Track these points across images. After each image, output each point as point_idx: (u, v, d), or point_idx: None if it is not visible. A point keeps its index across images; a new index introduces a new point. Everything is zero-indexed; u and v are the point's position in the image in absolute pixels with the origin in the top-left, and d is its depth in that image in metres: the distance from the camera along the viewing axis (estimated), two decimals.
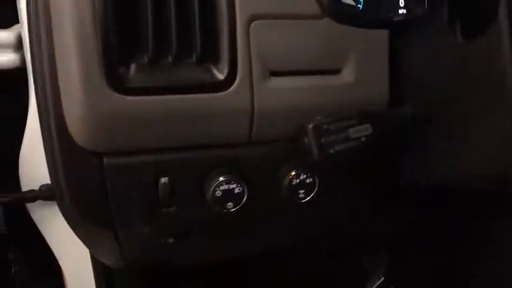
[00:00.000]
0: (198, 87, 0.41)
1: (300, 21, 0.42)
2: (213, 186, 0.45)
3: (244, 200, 0.46)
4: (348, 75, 0.45)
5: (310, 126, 0.41)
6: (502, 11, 0.39)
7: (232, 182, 0.45)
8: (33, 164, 0.56)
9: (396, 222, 0.69)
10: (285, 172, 0.47)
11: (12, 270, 0.62)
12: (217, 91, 0.41)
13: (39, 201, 0.57)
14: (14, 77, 0.56)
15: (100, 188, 0.43)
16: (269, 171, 0.48)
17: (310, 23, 0.43)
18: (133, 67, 0.39)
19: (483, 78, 0.42)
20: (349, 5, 0.44)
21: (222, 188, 0.45)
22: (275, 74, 0.43)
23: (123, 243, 0.48)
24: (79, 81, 0.38)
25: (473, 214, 0.63)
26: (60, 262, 0.65)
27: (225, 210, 0.46)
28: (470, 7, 0.43)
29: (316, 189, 0.48)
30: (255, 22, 0.41)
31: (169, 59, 0.40)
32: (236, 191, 0.45)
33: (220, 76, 0.41)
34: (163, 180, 0.45)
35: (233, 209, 0.46)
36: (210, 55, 0.41)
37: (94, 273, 0.66)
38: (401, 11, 0.46)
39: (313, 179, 0.47)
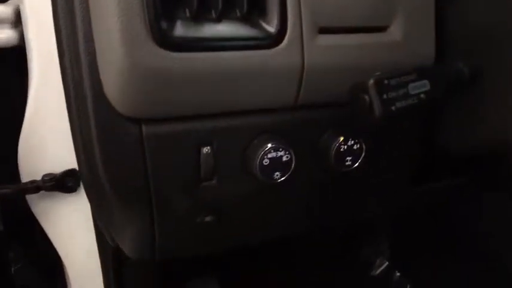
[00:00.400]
0: (247, 44, 0.38)
1: None
2: (261, 153, 0.41)
3: (292, 169, 0.42)
4: (395, 32, 0.44)
5: (371, 81, 0.38)
6: None
7: (280, 149, 0.42)
8: (34, 153, 0.52)
9: (401, 208, 0.67)
10: (332, 139, 0.44)
11: (12, 269, 0.55)
12: (268, 47, 0.39)
13: (42, 192, 0.53)
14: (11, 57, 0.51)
15: (138, 159, 0.39)
16: (315, 138, 0.45)
17: None
18: (177, 23, 0.37)
19: None
20: None
21: (270, 155, 0.41)
22: (323, 31, 0.41)
23: (157, 222, 0.43)
24: (121, 37, 0.34)
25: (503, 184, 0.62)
26: (63, 259, 0.60)
27: (271, 181, 0.42)
28: None
29: (363, 155, 0.45)
30: None
31: (213, 14, 0.38)
32: (284, 158, 0.42)
33: (271, 29, 0.38)
34: (205, 149, 0.41)
35: (280, 179, 0.42)
36: (257, 10, 0.39)
37: (102, 270, 0.61)
38: None
39: (360, 145, 0.45)
